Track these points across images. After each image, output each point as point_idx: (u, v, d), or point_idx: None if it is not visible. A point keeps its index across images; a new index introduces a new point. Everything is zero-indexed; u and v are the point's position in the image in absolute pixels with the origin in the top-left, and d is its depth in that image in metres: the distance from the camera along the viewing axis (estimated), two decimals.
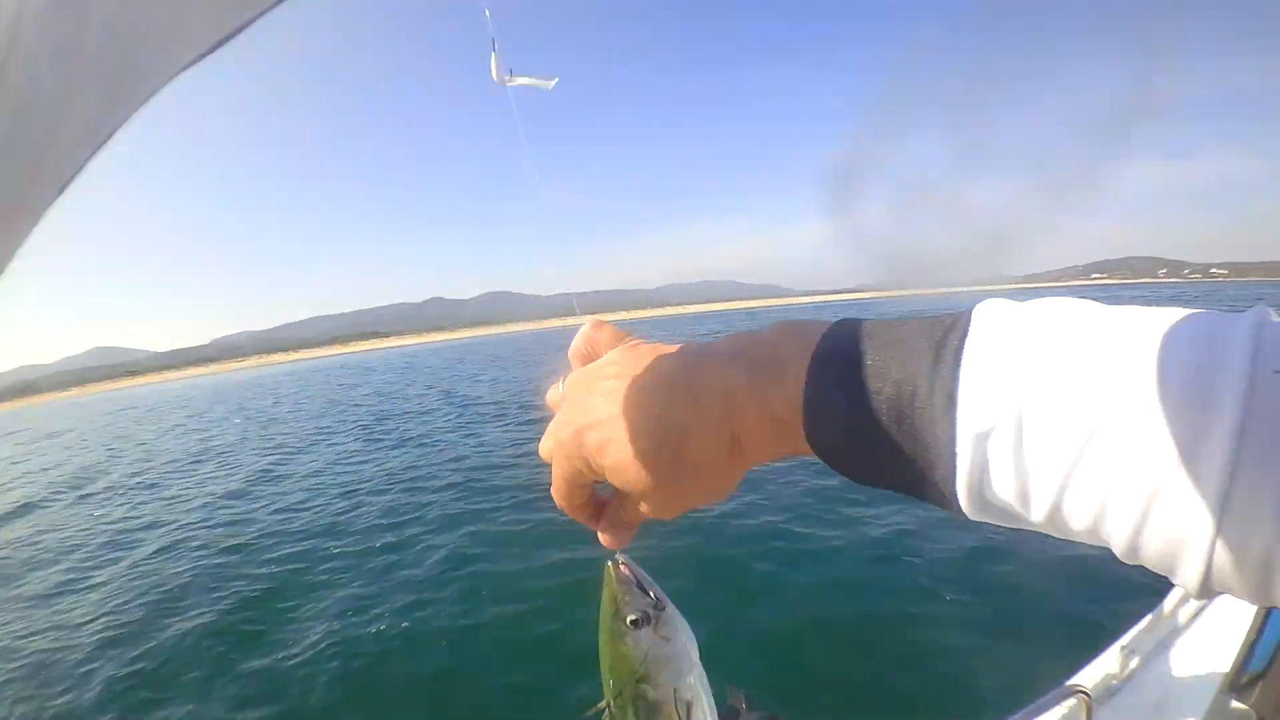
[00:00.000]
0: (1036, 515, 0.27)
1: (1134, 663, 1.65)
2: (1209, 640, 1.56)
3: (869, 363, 0.30)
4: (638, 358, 0.38)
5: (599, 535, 0.44)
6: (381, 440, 11.79)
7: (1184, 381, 0.24)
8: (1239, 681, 1.83)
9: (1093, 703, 1.23)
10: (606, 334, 0.42)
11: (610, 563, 0.48)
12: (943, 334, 0.29)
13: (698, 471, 0.35)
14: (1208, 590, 0.24)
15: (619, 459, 0.36)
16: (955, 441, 0.27)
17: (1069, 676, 1.51)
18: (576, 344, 0.43)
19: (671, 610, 0.48)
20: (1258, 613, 1.47)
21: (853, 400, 0.30)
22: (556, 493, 0.41)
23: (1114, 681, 1.61)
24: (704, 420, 0.34)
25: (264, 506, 7.79)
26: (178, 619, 4.64)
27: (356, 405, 19.88)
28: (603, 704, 0.48)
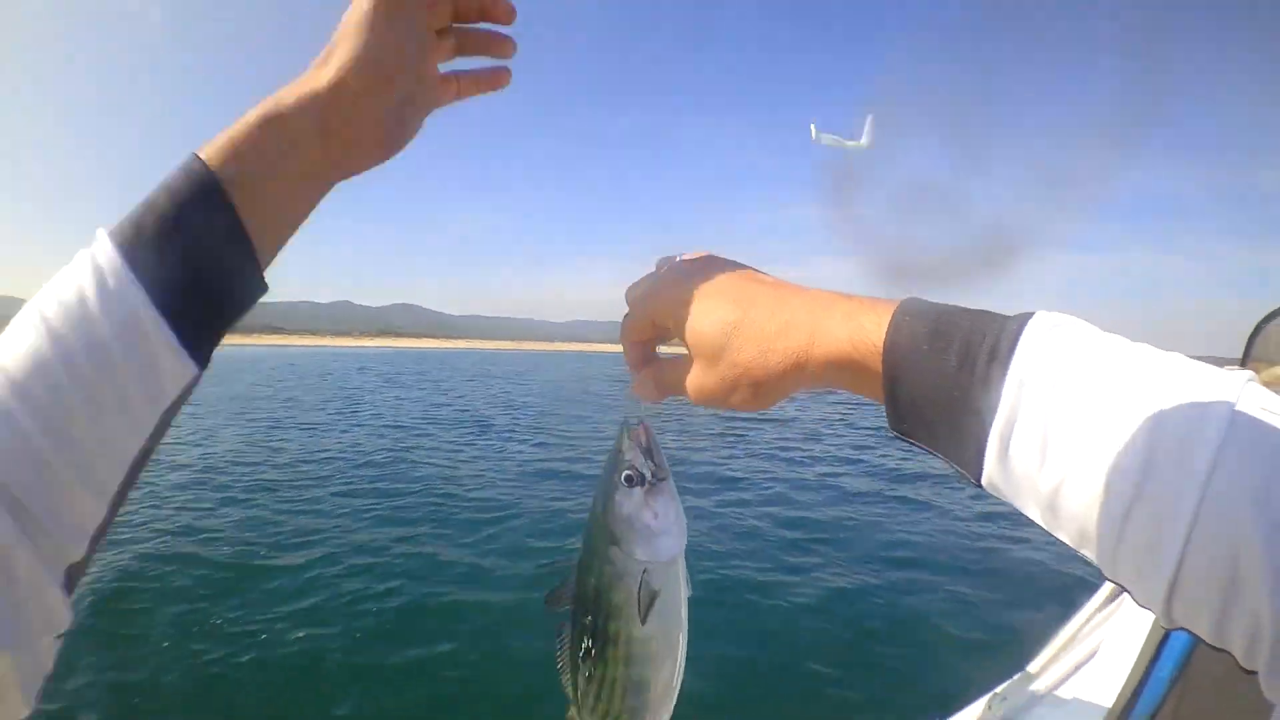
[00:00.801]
0: (1048, 481, 0.31)
1: (1005, 711, 1.65)
2: (1081, 694, 1.58)
3: (948, 312, 0.36)
4: (748, 271, 0.45)
5: (632, 383, 0.48)
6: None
7: (1190, 395, 0.28)
8: None
9: None
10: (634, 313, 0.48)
11: (629, 421, 0.49)
12: (1012, 317, 0.35)
13: (754, 366, 0.40)
14: (1180, 588, 0.27)
15: (701, 322, 0.42)
16: (1004, 383, 0.32)
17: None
18: (688, 256, 0.47)
19: (668, 486, 0.47)
20: (1130, 677, 1.50)
21: (932, 332, 0.35)
22: (627, 327, 0.47)
23: None
24: (788, 325, 0.39)
25: None
26: None
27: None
28: (580, 559, 0.48)
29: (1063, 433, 0.30)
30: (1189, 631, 0.29)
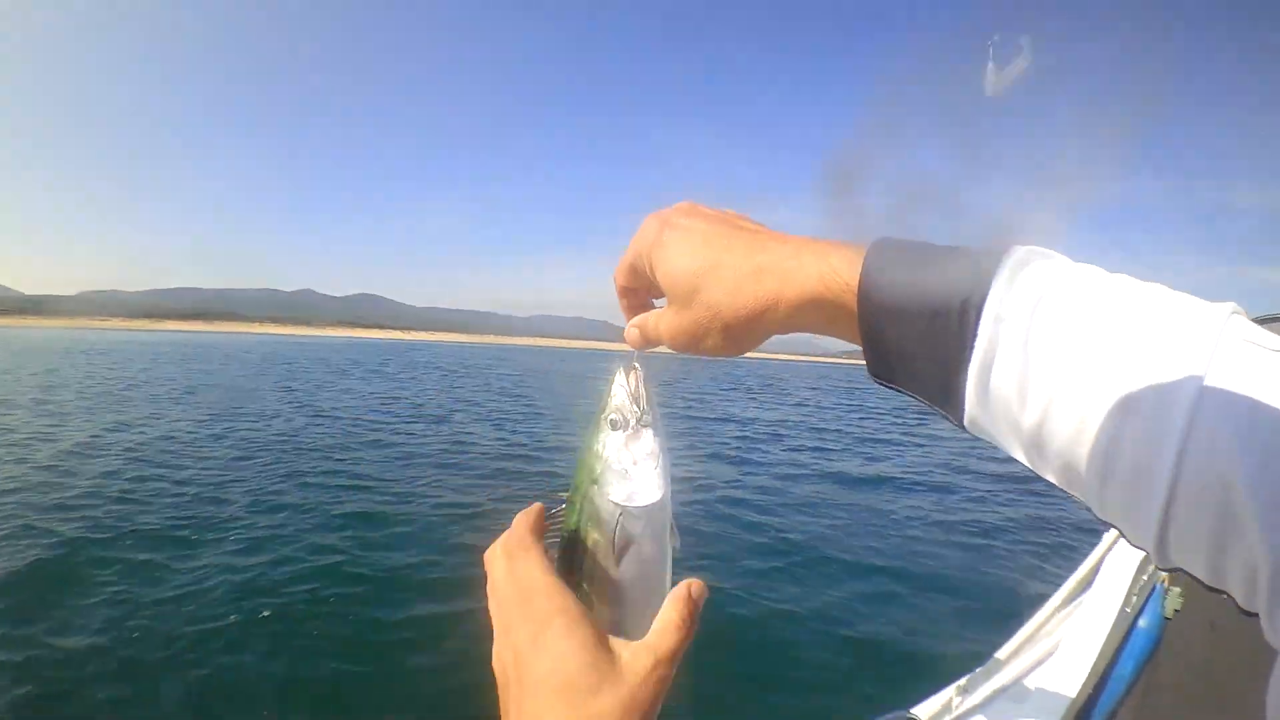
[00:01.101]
0: (1029, 417, 0.30)
1: (969, 702, 1.65)
2: (1045, 685, 1.58)
3: (923, 248, 0.35)
4: (728, 215, 0.44)
5: (626, 329, 0.49)
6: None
7: (1173, 326, 0.28)
8: None
9: None
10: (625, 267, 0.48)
11: (624, 364, 0.48)
12: (987, 252, 0.33)
13: (725, 308, 0.40)
14: (1168, 521, 0.27)
15: (674, 264, 0.42)
16: (980, 319, 0.31)
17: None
18: (679, 204, 0.46)
19: (649, 433, 0.47)
20: (1091, 673, 1.50)
21: (907, 266, 0.34)
22: (618, 267, 0.48)
23: (949, 715, 1.65)
24: (760, 268, 0.39)
25: None
26: None
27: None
28: (568, 494, 0.48)
29: (1042, 368, 0.30)
30: (1187, 572, 0.28)
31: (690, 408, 18.49)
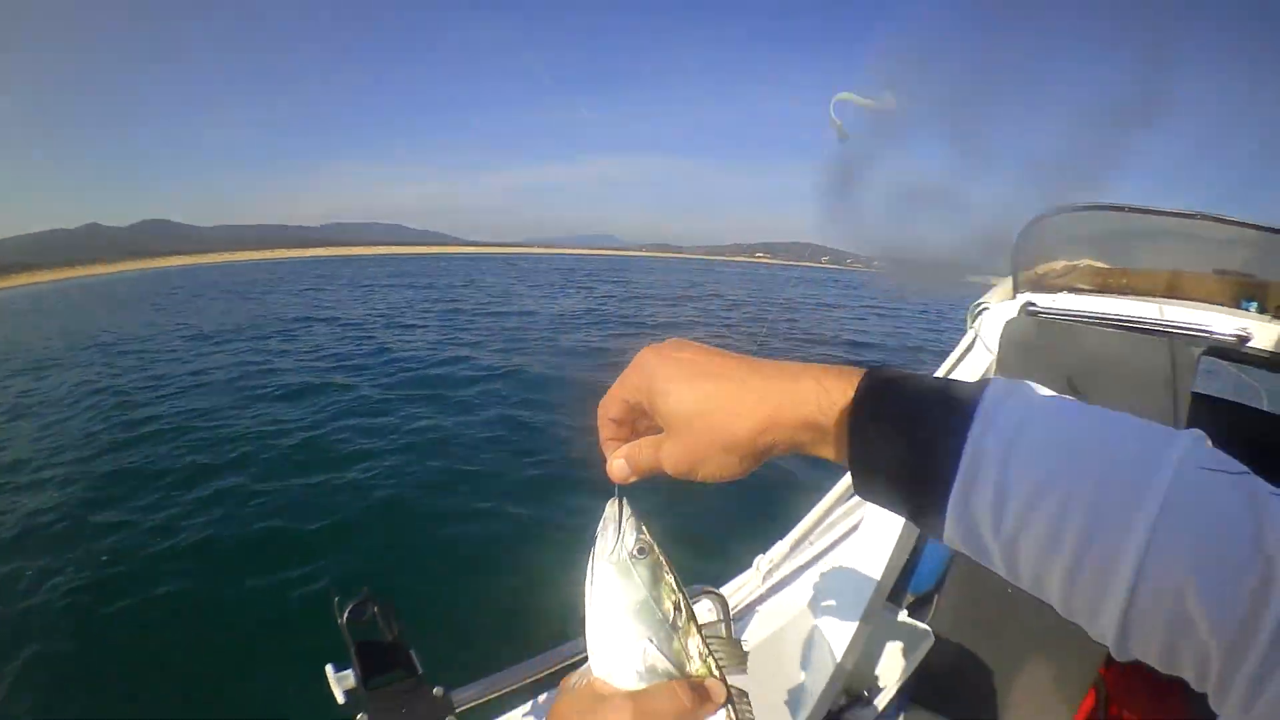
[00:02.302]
0: (1004, 536, 0.34)
1: (775, 578, 1.66)
2: (851, 561, 1.63)
3: (911, 379, 0.39)
4: (716, 349, 0.47)
5: (608, 463, 0.49)
6: None
7: (1136, 455, 0.32)
8: (903, 599, 2.01)
9: (728, 604, 1.20)
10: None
11: (613, 500, 0.47)
12: (967, 390, 0.38)
13: (724, 432, 0.42)
14: (1128, 624, 0.31)
15: (674, 394, 0.44)
16: (963, 451, 0.35)
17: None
18: (670, 340, 0.48)
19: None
20: (902, 537, 1.51)
21: (895, 398, 0.38)
22: (601, 405, 0.50)
23: (756, 591, 1.66)
24: (757, 392, 0.42)
25: None
26: None
27: None
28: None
29: (1016, 496, 0.33)
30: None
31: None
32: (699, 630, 0.44)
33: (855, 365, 0.42)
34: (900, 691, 1.75)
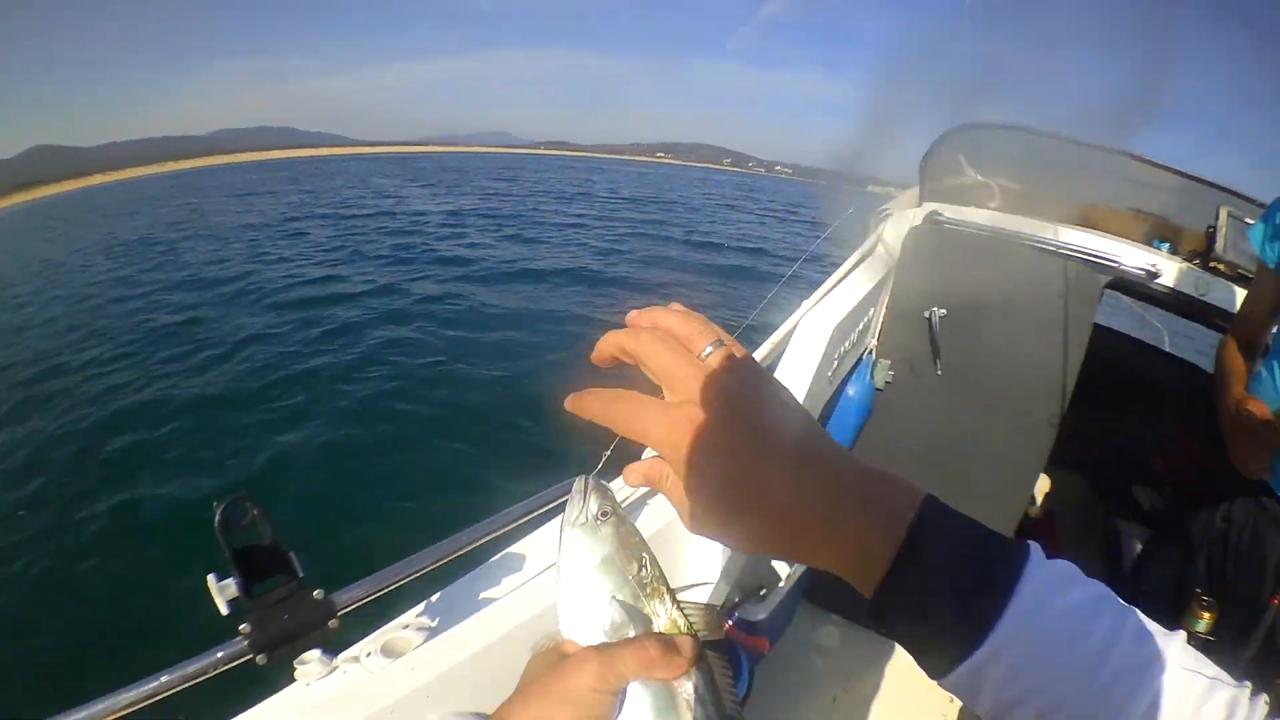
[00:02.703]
0: (1004, 702, 0.35)
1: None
2: None
3: (958, 533, 0.37)
4: (762, 403, 0.39)
5: (624, 471, 0.45)
6: None
7: (1131, 655, 0.34)
8: None
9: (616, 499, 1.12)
10: (698, 325, 0.43)
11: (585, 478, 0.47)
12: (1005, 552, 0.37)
13: (749, 536, 0.39)
14: None
15: (693, 513, 0.40)
16: (994, 627, 0.34)
17: None
18: (669, 323, 0.42)
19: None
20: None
21: (935, 551, 0.36)
22: (608, 395, 0.41)
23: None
24: (801, 516, 0.38)
25: None
26: None
27: None
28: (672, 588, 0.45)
29: (1028, 681, 0.34)
30: None
31: None
32: (670, 591, 0.44)
33: (888, 482, 0.38)
34: (795, 586, 1.81)
